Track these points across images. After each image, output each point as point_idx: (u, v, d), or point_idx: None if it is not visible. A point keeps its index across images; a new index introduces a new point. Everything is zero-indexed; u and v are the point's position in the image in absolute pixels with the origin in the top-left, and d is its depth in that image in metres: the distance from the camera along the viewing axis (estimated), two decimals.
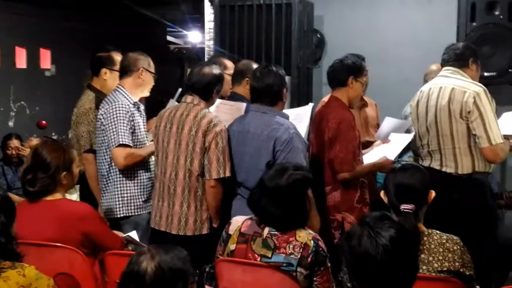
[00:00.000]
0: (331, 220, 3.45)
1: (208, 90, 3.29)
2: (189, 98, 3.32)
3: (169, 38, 10.47)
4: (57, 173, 2.85)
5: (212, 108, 3.43)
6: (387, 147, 3.84)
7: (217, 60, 4.10)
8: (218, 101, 3.52)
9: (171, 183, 3.27)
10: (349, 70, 3.54)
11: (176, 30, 9.90)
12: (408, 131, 4.03)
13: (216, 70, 3.34)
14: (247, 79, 3.76)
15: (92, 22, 8.09)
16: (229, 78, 3.88)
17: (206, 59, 5.79)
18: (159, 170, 3.35)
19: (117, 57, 3.99)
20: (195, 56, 9.86)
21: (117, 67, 3.92)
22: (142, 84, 3.67)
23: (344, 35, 5.79)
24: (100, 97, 3.93)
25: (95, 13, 8.03)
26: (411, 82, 4.63)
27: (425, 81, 4.20)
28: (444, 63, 3.63)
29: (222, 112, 3.48)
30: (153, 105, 4.09)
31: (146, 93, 3.73)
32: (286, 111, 3.41)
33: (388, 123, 4.03)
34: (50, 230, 2.77)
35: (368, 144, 4.01)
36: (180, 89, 4.01)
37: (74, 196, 4.28)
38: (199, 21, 7.84)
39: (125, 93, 3.59)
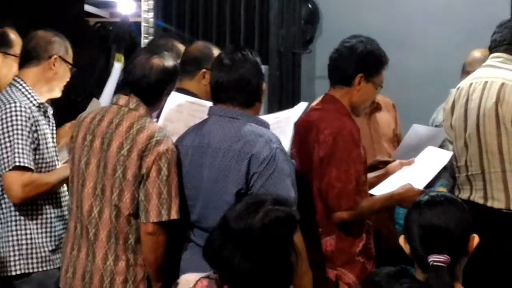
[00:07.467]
0: (321, 277, 3.43)
1: (156, 91, 3.29)
2: (123, 99, 3.29)
3: (87, 8, 10.43)
4: None
5: (168, 111, 3.45)
6: (414, 169, 3.78)
7: (165, 42, 4.10)
8: (184, 98, 3.52)
9: (91, 223, 3.23)
10: (360, 63, 3.51)
11: None
12: (442, 146, 4.03)
13: (169, 61, 3.32)
14: (204, 71, 3.75)
15: None
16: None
17: (144, 40, 5.79)
18: (74, 203, 3.33)
19: (14, 36, 4.00)
20: (126, 34, 9.84)
21: (14, 50, 3.91)
22: (53, 79, 3.67)
23: (347, 5, 5.85)
24: None
25: None
26: (444, 75, 4.71)
27: (466, 73, 4.25)
28: (494, 47, 3.69)
29: (189, 117, 3.45)
30: (62, 108, 4.07)
31: (57, 93, 3.74)
32: (264, 117, 3.43)
33: (414, 133, 4.01)
34: None
35: (380, 166, 3.97)
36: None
37: None
38: None
39: (26, 90, 3.58)
